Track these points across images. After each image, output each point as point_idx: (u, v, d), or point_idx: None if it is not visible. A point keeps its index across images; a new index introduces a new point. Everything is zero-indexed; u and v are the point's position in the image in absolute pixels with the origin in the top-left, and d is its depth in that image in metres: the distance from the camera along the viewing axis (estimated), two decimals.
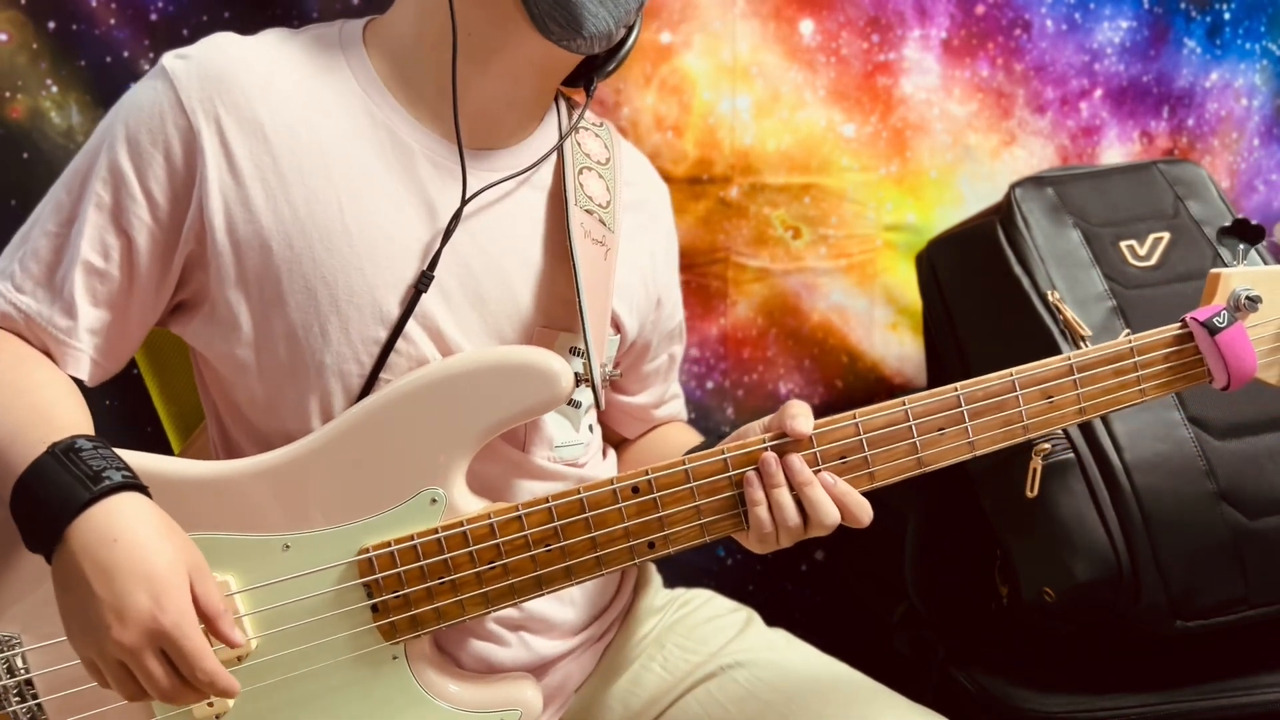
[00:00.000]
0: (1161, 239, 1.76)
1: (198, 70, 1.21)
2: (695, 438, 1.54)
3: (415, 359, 1.24)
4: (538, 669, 1.35)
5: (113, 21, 1.68)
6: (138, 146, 1.19)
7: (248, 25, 1.69)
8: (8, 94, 1.65)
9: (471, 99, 1.26)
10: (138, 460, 1.13)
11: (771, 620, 1.50)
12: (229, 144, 1.20)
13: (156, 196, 1.20)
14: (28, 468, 1.06)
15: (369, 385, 1.23)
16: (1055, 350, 1.65)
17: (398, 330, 1.22)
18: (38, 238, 1.23)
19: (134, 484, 1.07)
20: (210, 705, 1.16)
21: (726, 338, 2.06)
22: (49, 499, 1.04)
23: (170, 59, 1.23)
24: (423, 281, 1.23)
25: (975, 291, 1.83)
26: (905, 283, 2.10)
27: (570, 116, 1.40)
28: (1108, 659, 1.70)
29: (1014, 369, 1.23)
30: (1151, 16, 2.14)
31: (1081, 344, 1.64)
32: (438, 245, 1.24)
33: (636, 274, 1.41)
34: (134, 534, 1.03)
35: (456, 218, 1.25)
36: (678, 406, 1.62)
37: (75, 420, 1.13)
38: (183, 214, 1.21)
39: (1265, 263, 1.67)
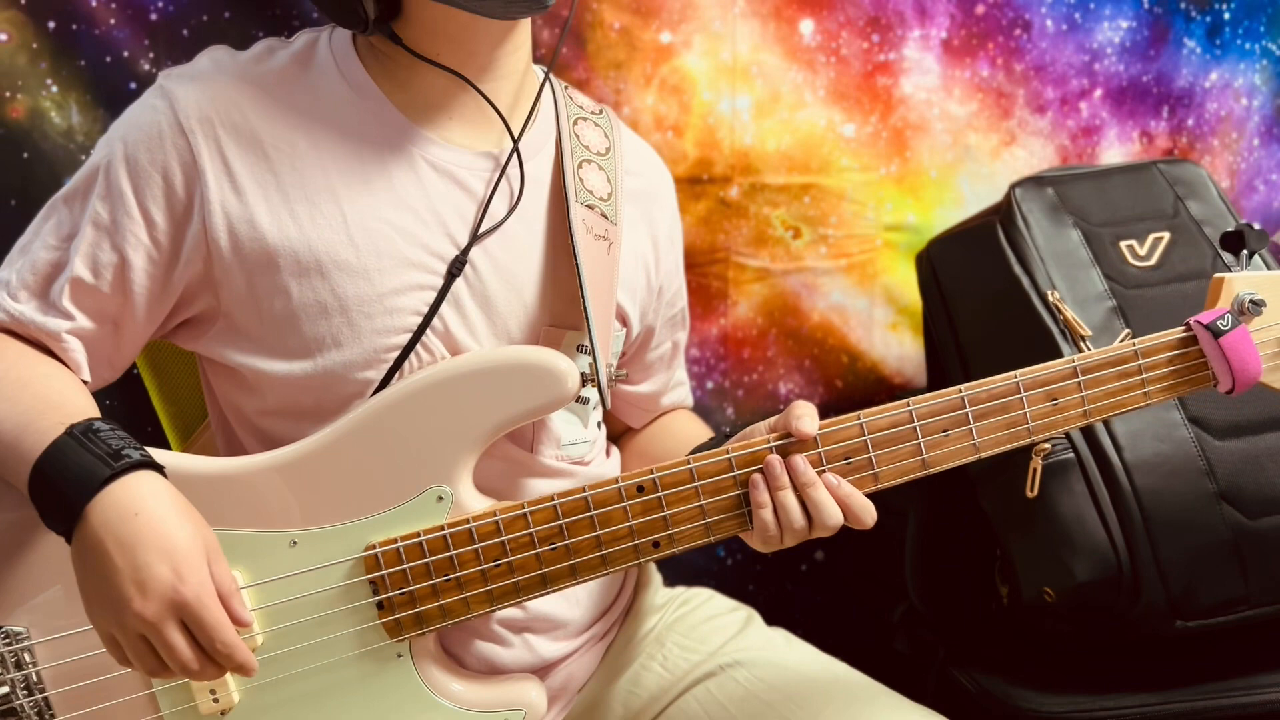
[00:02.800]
0: (1161, 239, 1.76)
1: (196, 90, 1.22)
2: (701, 427, 1.55)
3: (426, 362, 1.25)
4: (540, 670, 1.35)
5: (113, 21, 1.68)
6: (136, 166, 1.20)
7: (248, 25, 1.70)
8: (8, 94, 1.65)
9: (456, 102, 1.28)
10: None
11: (772, 620, 1.50)
12: (230, 163, 1.21)
13: (154, 216, 1.21)
14: (48, 448, 1.07)
15: (379, 387, 1.23)
16: (1055, 350, 1.65)
17: (409, 334, 1.23)
18: (37, 250, 1.24)
19: (152, 462, 1.09)
20: (215, 701, 1.16)
21: (727, 338, 2.06)
22: (70, 477, 1.06)
23: (168, 79, 1.24)
24: (456, 265, 1.25)
25: (975, 291, 1.83)
26: (905, 283, 2.10)
27: (564, 103, 1.41)
28: (1108, 659, 1.70)
29: (1018, 371, 1.23)
30: (1151, 16, 2.15)
31: (1081, 344, 1.64)
32: (459, 247, 1.25)
33: (640, 264, 1.42)
34: (154, 509, 1.05)
35: (479, 225, 1.27)
36: (683, 394, 1.62)
37: (85, 406, 1.15)
38: (182, 235, 1.21)
39: (1269, 268, 1.67)
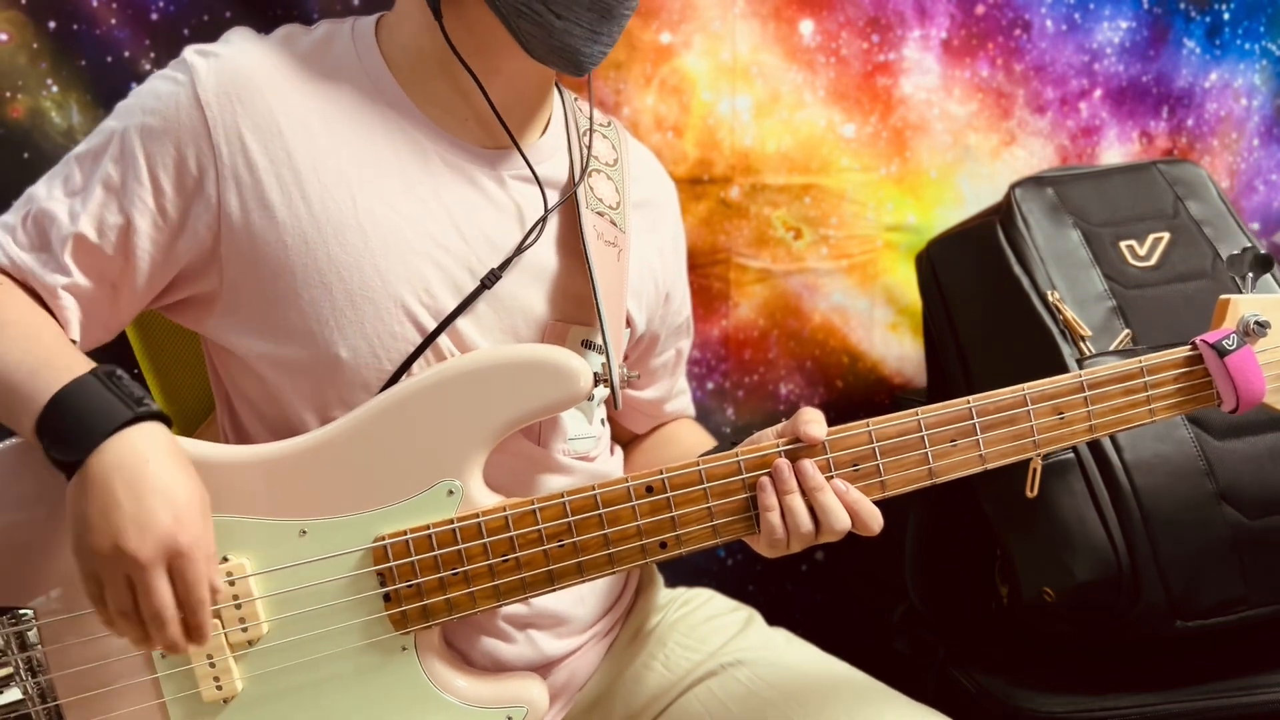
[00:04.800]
0: (1161, 239, 1.77)
1: (218, 68, 1.23)
2: (705, 437, 1.55)
3: (433, 355, 1.25)
4: (543, 667, 1.35)
5: (113, 21, 1.68)
6: (151, 134, 1.21)
7: (249, 25, 1.69)
8: (8, 94, 1.65)
9: (474, 103, 1.29)
10: None
11: (772, 620, 1.50)
12: (245, 141, 1.21)
13: (163, 185, 1.21)
14: (73, 381, 1.09)
15: (389, 382, 1.23)
16: (1055, 351, 1.65)
17: (414, 326, 1.24)
18: (44, 200, 1.24)
19: (165, 416, 1.11)
20: (219, 688, 1.17)
21: (728, 339, 2.06)
22: (91, 411, 1.08)
23: (192, 54, 1.25)
24: (489, 278, 1.26)
25: (975, 292, 1.83)
26: (906, 283, 2.10)
27: (575, 110, 1.42)
28: (1108, 659, 1.71)
29: (1026, 385, 1.23)
30: (1151, 16, 2.15)
31: (1081, 344, 1.64)
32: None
33: (647, 271, 1.42)
34: (164, 459, 1.08)
35: (524, 244, 1.29)
36: (685, 402, 1.63)
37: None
38: (189, 206, 1.22)
39: None
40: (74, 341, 1.23)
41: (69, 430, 1.08)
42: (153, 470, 1.06)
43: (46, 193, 1.25)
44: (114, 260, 1.23)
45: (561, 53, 1.23)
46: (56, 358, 1.13)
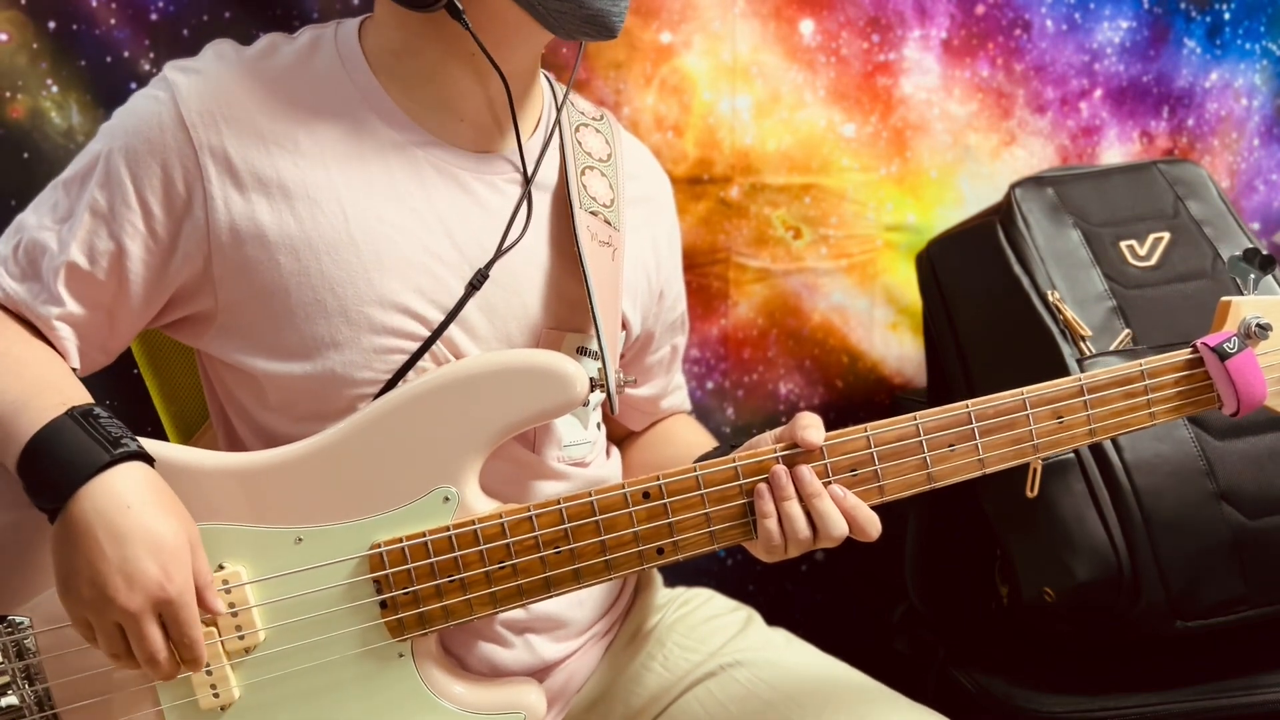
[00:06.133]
0: (1161, 239, 1.77)
1: (199, 84, 1.21)
2: (703, 434, 1.54)
3: (430, 363, 1.24)
4: (540, 672, 1.35)
5: (113, 21, 1.68)
6: (135, 156, 1.19)
7: (248, 25, 1.69)
8: (8, 94, 1.65)
9: (470, 104, 1.27)
10: (155, 447, 1.15)
11: (772, 620, 1.50)
12: (231, 158, 1.20)
13: (152, 207, 1.20)
14: (46, 425, 1.08)
15: (383, 390, 1.22)
16: (1055, 351, 1.65)
17: (409, 338, 1.22)
18: (34, 230, 1.23)
19: (145, 454, 1.11)
20: (216, 696, 1.17)
21: (727, 338, 2.06)
22: (68, 457, 1.07)
23: (172, 71, 1.23)
24: (477, 278, 1.24)
25: (975, 291, 1.83)
26: (906, 283, 2.10)
27: (566, 109, 1.39)
28: (1108, 659, 1.71)
29: (1025, 388, 1.23)
30: (1151, 16, 2.15)
31: (1081, 344, 1.64)
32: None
33: (641, 269, 1.41)
34: (145, 503, 1.07)
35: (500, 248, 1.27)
36: (681, 398, 1.62)
37: (83, 393, 1.16)
38: (179, 228, 1.21)
39: None
40: (75, 369, 1.23)
41: (46, 476, 1.08)
42: (133, 517, 1.05)
43: (36, 221, 1.24)
44: (107, 286, 1.22)
45: (594, 20, 1.20)
46: (37, 396, 1.11)
